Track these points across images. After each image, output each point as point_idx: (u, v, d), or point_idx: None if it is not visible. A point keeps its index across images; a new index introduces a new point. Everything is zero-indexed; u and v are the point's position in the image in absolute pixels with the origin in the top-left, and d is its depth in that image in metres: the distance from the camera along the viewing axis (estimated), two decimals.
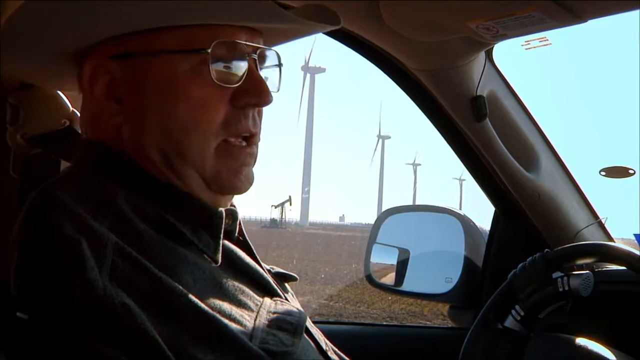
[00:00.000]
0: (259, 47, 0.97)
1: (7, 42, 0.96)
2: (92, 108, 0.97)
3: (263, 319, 0.90)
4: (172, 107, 0.92)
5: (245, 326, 0.86)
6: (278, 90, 1.02)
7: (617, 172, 1.69)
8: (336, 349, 1.06)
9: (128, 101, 0.94)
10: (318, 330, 1.05)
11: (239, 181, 0.96)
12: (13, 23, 0.93)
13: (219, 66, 0.93)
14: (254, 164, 0.99)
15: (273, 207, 56.36)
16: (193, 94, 0.92)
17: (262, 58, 0.99)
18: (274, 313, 0.93)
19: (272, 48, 1.01)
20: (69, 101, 1.24)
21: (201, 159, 0.93)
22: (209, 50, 0.91)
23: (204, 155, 0.93)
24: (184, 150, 0.92)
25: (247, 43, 0.95)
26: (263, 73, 0.98)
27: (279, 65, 1.03)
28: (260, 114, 0.99)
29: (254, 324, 0.88)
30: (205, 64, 0.91)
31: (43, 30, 0.93)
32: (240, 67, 0.95)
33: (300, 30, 1.03)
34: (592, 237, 1.71)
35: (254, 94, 0.95)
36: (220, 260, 0.92)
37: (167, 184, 0.94)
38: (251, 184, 0.98)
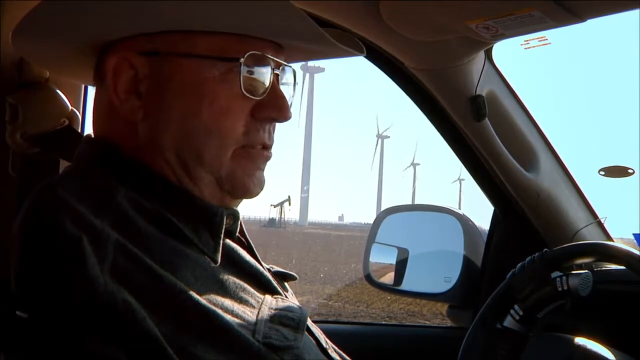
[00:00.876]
0: (282, 64, 0.98)
1: (32, 28, 0.96)
2: (110, 101, 0.96)
3: (265, 314, 0.90)
4: (196, 110, 0.92)
5: (247, 322, 0.87)
6: (291, 107, 1.03)
7: (616, 171, 1.69)
8: (336, 348, 1.07)
9: (150, 98, 0.94)
10: (318, 328, 1.05)
11: (252, 184, 0.98)
12: (42, 10, 0.93)
13: (246, 77, 0.94)
14: (264, 170, 1.01)
15: (272, 207, 56.36)
16: (218, 100, 0.93)
17: (282, 74, 1.00)
18: (276, 309, 0.94)
19: (291, 65, 1.02)
20: (69, 100, 1.24)
21: (217, 162, 0.94)
22: (242, 61, 0.92)
23: (220, 159, 0.94)
24: (201, 154, 0.93)
25: (274, 58, 0.97)
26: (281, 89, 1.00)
27: (295, 83, 1.04)
28: (274, 128, 1.00)
29: (256, 319, 0.88)
30: (234, 73, 0.93)
31: (75, 20, 0.93)
32: (265, 80, 0.96)
33: (325, 52, 1.05)
34: (591, 236, 1.71)
35: (275, 108, 0.97)
36: (219, 260, 0.92)
37: (172, 183, 0.94)
38: (262, 188, 1.00)
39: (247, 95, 0.94)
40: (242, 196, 1.00)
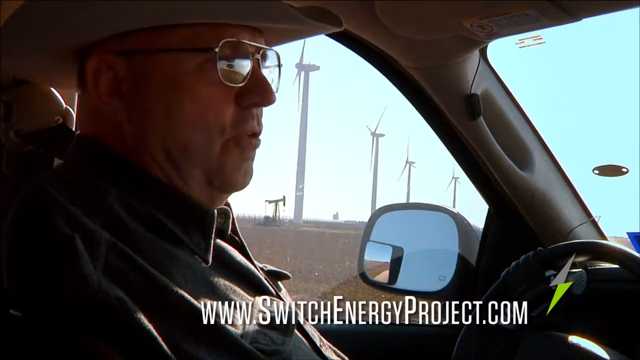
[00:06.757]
0: (261, 47, 0.97)
1: (10, 39, 0.95)
2: (93, 104, 0.96)
3: (254, 318, 0.90)
4: (179, 106, 0.91)
5: (236, 326, 0.86)
6: (277, 91, 1.02)
7: (611, 170, 1.69)
8: (331, 345, 1.06)
9: (132, 98, 0.93)
10: (312, 327, 1.05)
11: (240, 176, 0.96)
12: (16, 20, 0.92)
13: (224, 65, 0.93)
14: (254, 159, 0.99)
15: (267, 202, 56.31)
16: (199, 92, 0.92)
17: (264, 58, 0.99)
18: (265, 312, 0.93)
19: (272, 48, 1.01)
20: (63, 98, 1.23)
21: (206, 155, 0.93)
22: (217, 50, 0.91)
23: (208, 152, 0.93)
24: (188, 148, 0.92)
25: (251, 43, 0.95)
26: (263, 73, 0.98)
27: (279, 65, 1.03)
28: (261, 113, 0.99)
29: (245, 323, 0.88)
30: (211, 62, 0.91)
31: (47, 27, 0.93)
32: (244, 66, 0.95)
33: (303, 31, 1.04)
34: (586, 235, 1.71)
35: (258, 93, 0.95)
36: (210, 261, 0.92)
37: (161, 182, 0.94)
38: (250, 179, 0.99)
39: (227, 83, 0.93)
40: (231, 190, 0.99)
